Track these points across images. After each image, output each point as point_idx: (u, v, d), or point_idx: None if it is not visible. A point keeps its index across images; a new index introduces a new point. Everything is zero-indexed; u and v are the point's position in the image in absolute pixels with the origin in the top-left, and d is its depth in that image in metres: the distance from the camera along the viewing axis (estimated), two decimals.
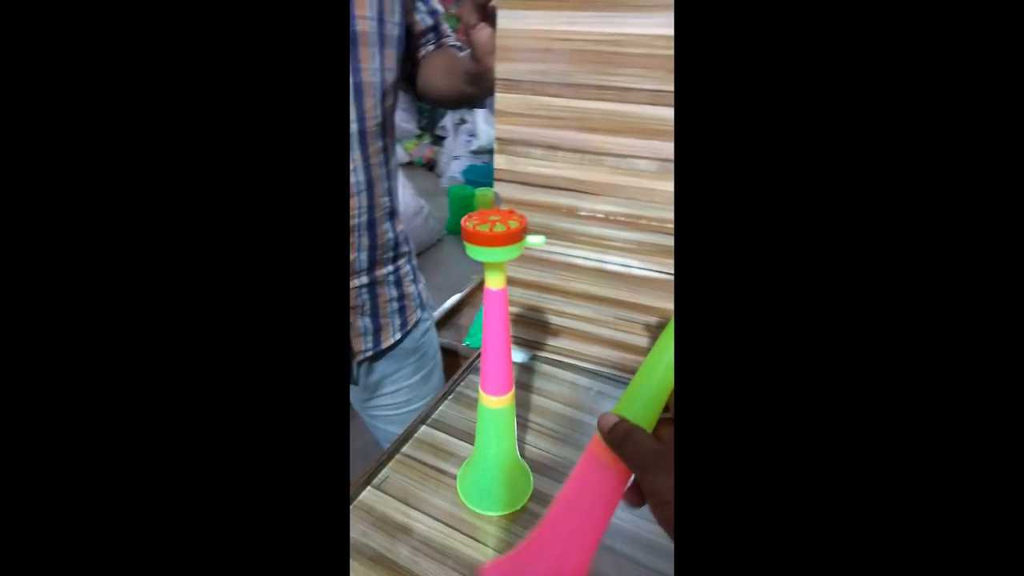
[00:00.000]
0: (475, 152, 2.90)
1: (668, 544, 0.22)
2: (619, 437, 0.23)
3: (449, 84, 0.60)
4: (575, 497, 0.25)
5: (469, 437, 0.49)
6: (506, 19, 0.46)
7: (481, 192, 2.33)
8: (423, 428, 0.50)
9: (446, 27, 0.65)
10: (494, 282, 0.33)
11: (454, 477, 0.45)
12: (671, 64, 0.42)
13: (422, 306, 0.71)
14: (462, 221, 0.32)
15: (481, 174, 2.67)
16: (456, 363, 1.05)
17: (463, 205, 2.37)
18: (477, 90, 0.57)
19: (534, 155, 0.50)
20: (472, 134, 2.92)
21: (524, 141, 0.50)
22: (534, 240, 0.32)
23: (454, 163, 2.91)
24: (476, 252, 0.31)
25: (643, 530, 0.39)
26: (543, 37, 0.45)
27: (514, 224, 0.31)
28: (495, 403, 0.38)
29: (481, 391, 0.38)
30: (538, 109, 0.48)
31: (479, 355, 0.60)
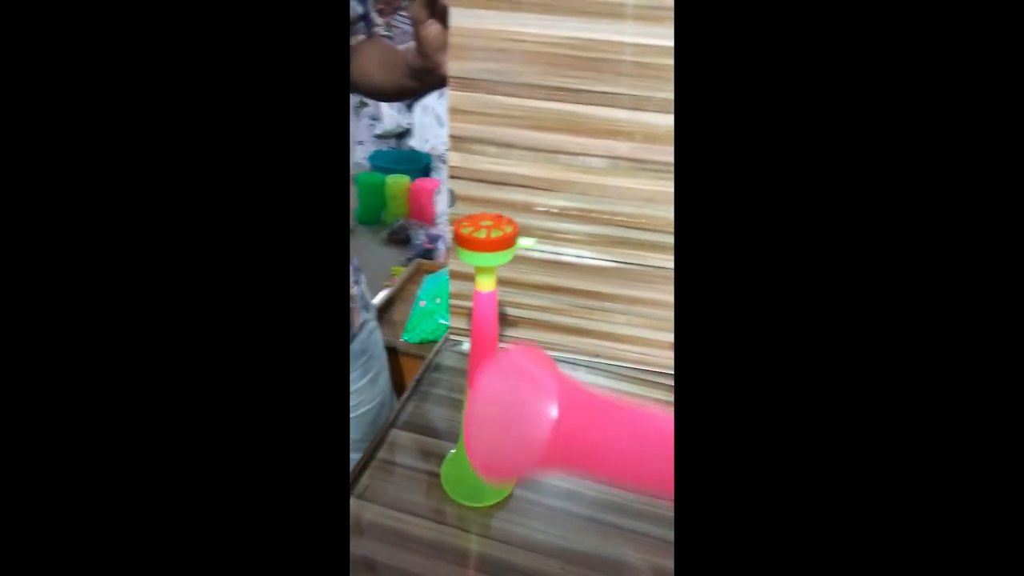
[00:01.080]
0: (380, 136, 2.78)
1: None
2: None
3: (387, 77, 0.58)
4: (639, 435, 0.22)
5: (442, 434, 0.50)
6: (459, 17, 0.45)
7: (392, 180, 2.25)
8: (393, 431, 0.50)
9: (376, 15, 0.62)
10: (485, 285, 0.34)
11: (432, 475, 0.45)
12: (620, 67, 0.45)
13: (366, 306, 0.69)
14: (454, 226, 0.32)
15: (389, 160, 2.57)
16: (396, 361, 1.03)
17: (373, 193, 2.27)
18: (419, 85, 0.56)
19: (489, 153, 0.51)
20: (375, 117, 2.79)
21: (479, 139, 0.51)
22: (526, 243, 0.34)
23: (358, 149, 2.77)
24: (471, 257, 0.32)
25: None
26: (496, 37, 0.46)
27: (508, 229, 0.32)
28: None
29: (470, 389, 0.39)
30: (492, 108, 0.49)
31: (438, 350, 0.61)
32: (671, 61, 0.44)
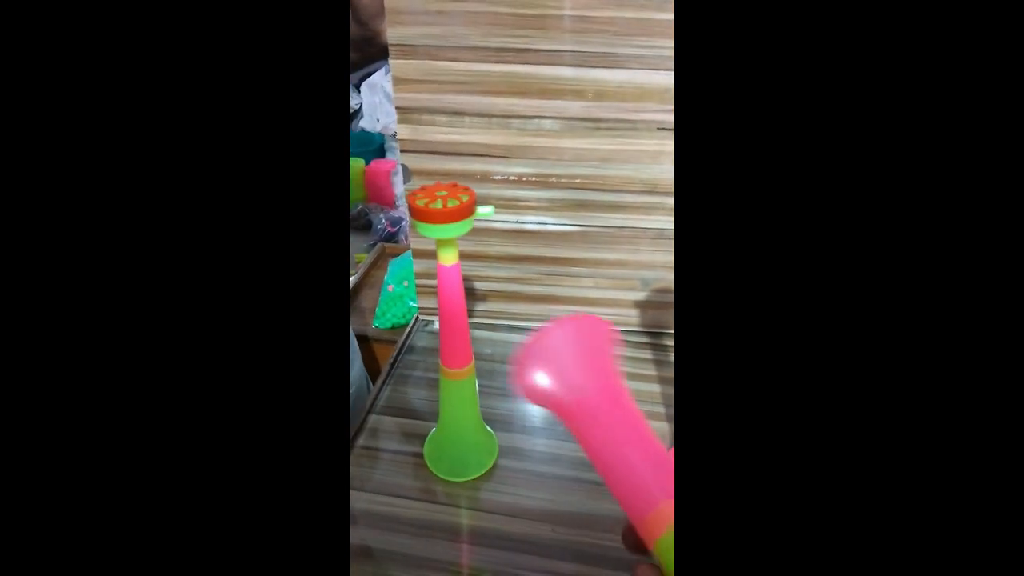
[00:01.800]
0: None
1: None
2: None
3: None
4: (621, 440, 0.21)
5: (420, 415, 0.49)
6: None
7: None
8: (373, 417, 0.49)
9: None
10: (448, 258, 0.33)
11: (416, 455, 0.45)
12: (565, 24, 0.44)
13: None
14: (408, 199, 0.31)
15: None
16: (369, 348, 1.02)
17: None
18: (360, 56, 0.53)
19: (439, 122, 0.49)
20: None
21: (427, 108, 0.49)
22: (483, 211, 0.33)
23: None
24: (430, 230, 0.31)
25: None
26: None
27: (465, 198, 0.31)
28: (458, 375, 0.38)
29: (443, 366, 0.38)
30: (437, 75, 0.47)
31: (410, 332, 0.60)
32: (616, 13, 0.43)
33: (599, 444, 0.21)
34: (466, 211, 0.31)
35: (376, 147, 2.39)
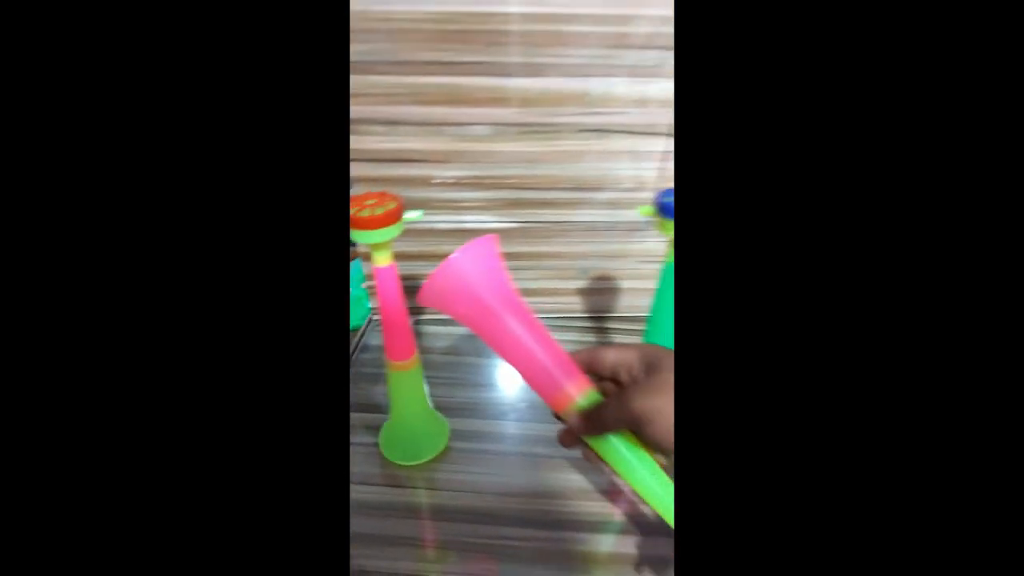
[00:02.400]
0: None
1: None
2: (593, 424, 0.26)
3: None
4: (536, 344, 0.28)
5: (375, 408, 0.52)
6: None
7: None
8: None
9: None
10: (382, 260, 0.36)
11: (373, 445, 0.48)
12: (489, 38, 0.48)
13: None
14: None
15: None
16: None
17: None
18: None
19: (376, 132, 0.52)
20: None
21: (362, 120, 0.51)
22: (412, 215, 0.36)
23: None
24: (362, 236, 0.34)
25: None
26: (362, 18, 0.46)
27: (392, 205, 0.34)
28: (403, 367, 0.42)
29: (388, 359, 0.41)
30: (370, 88, 0.50)
31: (363, 332, 0.62)
32: (531, 27, 0.47)
33: (511, 344, 0.28)
34: (392, 217, 0.34)
35: None
